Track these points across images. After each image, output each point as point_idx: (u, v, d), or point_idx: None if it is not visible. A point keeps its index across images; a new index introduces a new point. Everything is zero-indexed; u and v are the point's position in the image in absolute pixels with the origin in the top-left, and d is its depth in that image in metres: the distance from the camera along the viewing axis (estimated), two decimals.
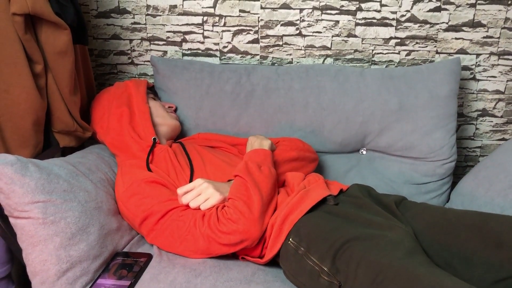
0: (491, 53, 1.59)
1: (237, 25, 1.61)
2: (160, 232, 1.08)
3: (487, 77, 1.62)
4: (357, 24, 1.58)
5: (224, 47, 1.64)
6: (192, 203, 1.07)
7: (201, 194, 1.08)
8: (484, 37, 1.57)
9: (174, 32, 1.63)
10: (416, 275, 0.78)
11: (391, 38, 1.59)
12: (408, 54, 1.61)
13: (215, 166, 1.24)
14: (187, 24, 1.62)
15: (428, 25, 1.57)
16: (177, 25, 1.62)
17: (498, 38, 1.57)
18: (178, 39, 1.64)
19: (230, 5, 1.58)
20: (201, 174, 1.22)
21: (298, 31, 1.61)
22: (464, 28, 1.57)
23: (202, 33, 1.63)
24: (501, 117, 1.66)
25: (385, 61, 1.62)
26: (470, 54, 1.60)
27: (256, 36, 1.62)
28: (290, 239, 1.02)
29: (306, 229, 1.01)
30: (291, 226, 1.03)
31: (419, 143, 1.44)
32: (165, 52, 1.66)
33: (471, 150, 1.72)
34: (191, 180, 1.19)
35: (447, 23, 1.57)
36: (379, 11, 1.56)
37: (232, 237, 1.01)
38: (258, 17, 1.60)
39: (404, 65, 1.62)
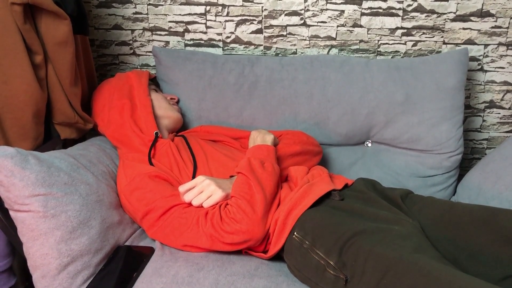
0: (500, 44, 1.56)
1: (241, 15, 1.59)
2: (161, 228, 1.07)
3: (495, 68, 1.59)
4: (362, 14, 1.56)
5: (227, 37, 1.61)
6: (195, 201, 1.06)
7: (203, 191, 1.06)
8: (492, 27, 1.54)
9: (176, 22, 1.61)
10: (429, 270, 0.77)
11: (397, 28, 1.56)
12: (414, 45, 1.58)
13: (218, 161, 1.23)
14: (189, 14, 1.60)
15: (435, 15, 1.54)
16: (180, 15, 1.60)
17: (507, 28, 1.54)
18: (181, 29, 1.62)
19: None
20: (203, 169, 1.20)
21: (302, 21, 1.58)
22: (472, 18, 1.54)
23: (205, 23, 1.60)
24: (509, 109, 1.64)
25: (391, 51, 1.59)
26: (478, 44, 1.57)
27: (259, 26, 1.60)
28: (295, 233, 1.00)
29: (311, 223, 1.00)
30: (295, 220, 1.02)
31: (425, 135, 1.42)
32: (167, 43, 1.64)
33: (478, 142, 1.70)
34: (194, 176, 1.18)
35: (454, 12, 1.53)
36: (385, 1, 1.53)
37: (236, 236, 1.00)
38: (262, 7, 1.57)
39: (411, 55, 1.59)
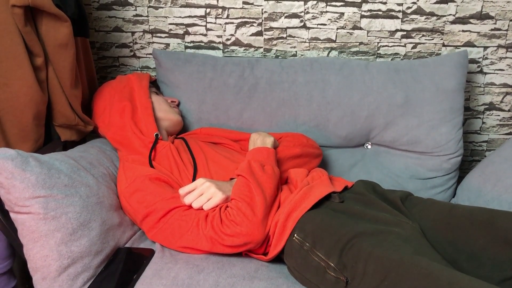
0: (499, 46, 1.56)
1: (241, 17, 1.59)
2: (161, 230, 1.07)
3: (495, 70, 1.59)
4: (362, 16, 1.56)
5: (227, 39, 1.62)
6: (195, 203, 1.06)
7: (203, 194, 1.06)
8: (492, 30, 1.54)
9: (176, 24, 1.61)
10: (430, 272, 0.77)
11: (397, 30, 1.57)
12: (414, 47, 1.58)
13: (218, 164, 1.23)
14: (189, 16, 1.60)
15: (434, 17, 1.55)
16: (180, 17, 1.60)
17: (506, 30, 1.54)
18: (181, 32, 1.62)
19: None
20: (204, 171, 1.20)
21: (302, 23, 1.58)
22: (471, 20, 1.54)
23: (205, 26, 1.61)
24: (509, 111, 1.64)
25: (391, 54, 1.60)
26: (478, 47, 1.57)
27: (259, 28, 1.60)
28: (295, 235, 1.00)
29: (311, 225, 1.00)
30: (295, 222, 1.02)
31: (425, 137, 1.42)
32: (168, 45, 1.64)
33: (478, 144, 1.70)
34: (194, 178, 1.18)
35: (454, 15, 1.54)
36: (384, 3, 1.54)
37: (236, 239, 1.00)
38: (262, 9, 1.58)
39: (410, 58, 1.60)
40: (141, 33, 1.64)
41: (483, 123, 1.67)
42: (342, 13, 1.56)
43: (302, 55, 1.62)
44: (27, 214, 0.96)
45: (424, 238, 0.97)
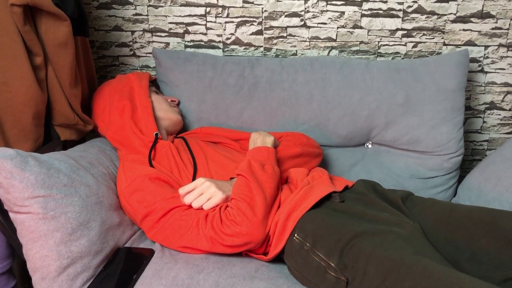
0: (500, 45, 1.56)
1: (241, 16, 1.58)
2: (161, 230, 1.06)
3: (496, 69, 1.59)
4: (363, 15, 1.55)
5: (227, 38, 1.61)
6: (195, 203, 1.05)
7: (203, 193, 1.06)
8: (493, 29, 1.54)
9: (176, 23, 1.61)
10: (431, 272, 0.76)
11: (397, 29, 1.56)
12: (414, 46, 1.58)
13: (218, 163, 1.23)
14: (189, 15, 1.60)
15: (435, 16, 1.54)
16: (180, 16, 1.60)
17: (507, 29, 1.54)
18: (181, 31, 1.62)
19: None
20: (203, 171, 1.20)
21: (302, 22, 1.58)
22: (472, 19, 1.54)
23: (205, 25, 1.60)
24: (510, 110, 1.64)
25: (391, 53, 1.59)
26: (478, 46, 1.56)
27: (259, 27, 1.59)
28: (295, 235, 1.00)
29: (311, 225, 1.00)
30: (295, 222, 1.02)
31: (425, 137, 1.42)
32: (167, 44, 1.64)
33: (478, 143, 1.69)
34: (194, 178, 1.18)
35: (455, 14, 1.53)
36: (385, 2, 1.53)
37: (236, 239, 1.00)
38: (262, 8, 1.57)
39: (411, 57, 1.59)
40: (141, 32, 1.63)
41: (484, 122, 1.67)
42: (343, 12, 1.56)
43: (302, 54, 1.62)
44: (26, 214, 0.96)
45: (425, 238, 0.97)
